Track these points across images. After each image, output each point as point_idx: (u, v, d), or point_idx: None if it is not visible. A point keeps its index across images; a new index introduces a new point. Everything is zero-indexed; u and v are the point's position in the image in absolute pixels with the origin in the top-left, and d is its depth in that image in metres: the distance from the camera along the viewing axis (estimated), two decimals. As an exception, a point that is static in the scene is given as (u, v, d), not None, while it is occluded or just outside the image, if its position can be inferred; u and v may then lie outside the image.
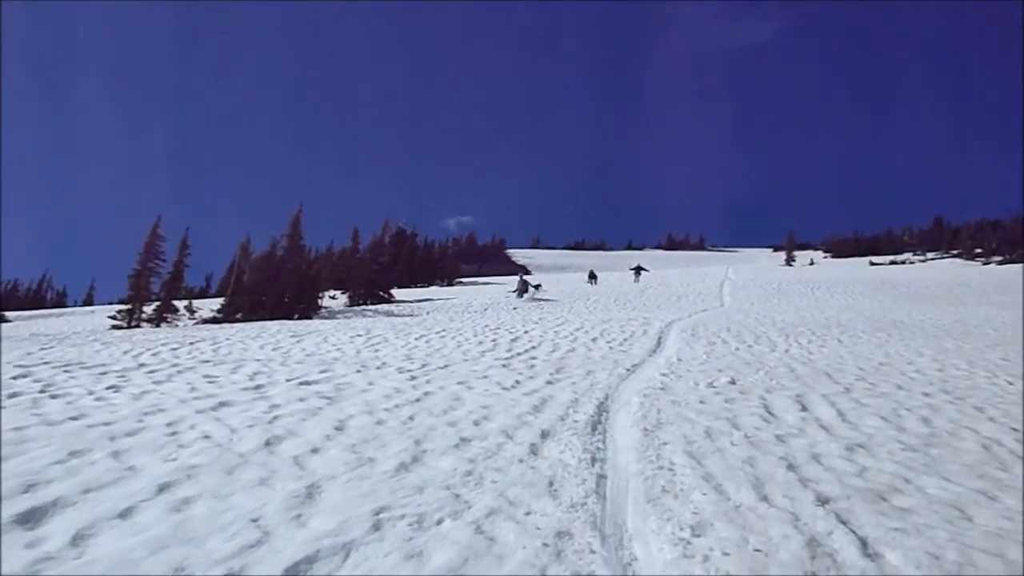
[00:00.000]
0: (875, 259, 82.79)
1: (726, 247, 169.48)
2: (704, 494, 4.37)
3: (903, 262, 78.30)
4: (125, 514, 3.86)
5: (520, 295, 32.25)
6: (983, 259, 73.45)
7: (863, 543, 3.60)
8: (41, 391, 7.18)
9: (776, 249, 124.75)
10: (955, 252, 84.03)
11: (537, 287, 33.66)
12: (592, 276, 44.51)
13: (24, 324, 31.83)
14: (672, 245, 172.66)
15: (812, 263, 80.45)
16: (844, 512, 4.04)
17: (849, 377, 8.92)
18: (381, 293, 40.99)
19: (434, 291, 48.23)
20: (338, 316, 28.50)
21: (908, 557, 3.42)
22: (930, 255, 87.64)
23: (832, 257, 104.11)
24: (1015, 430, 6.13)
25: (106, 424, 5.81)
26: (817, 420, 6.48)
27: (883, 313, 20.88)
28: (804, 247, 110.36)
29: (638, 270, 45.40)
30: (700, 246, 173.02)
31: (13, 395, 6.91)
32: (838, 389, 8.03)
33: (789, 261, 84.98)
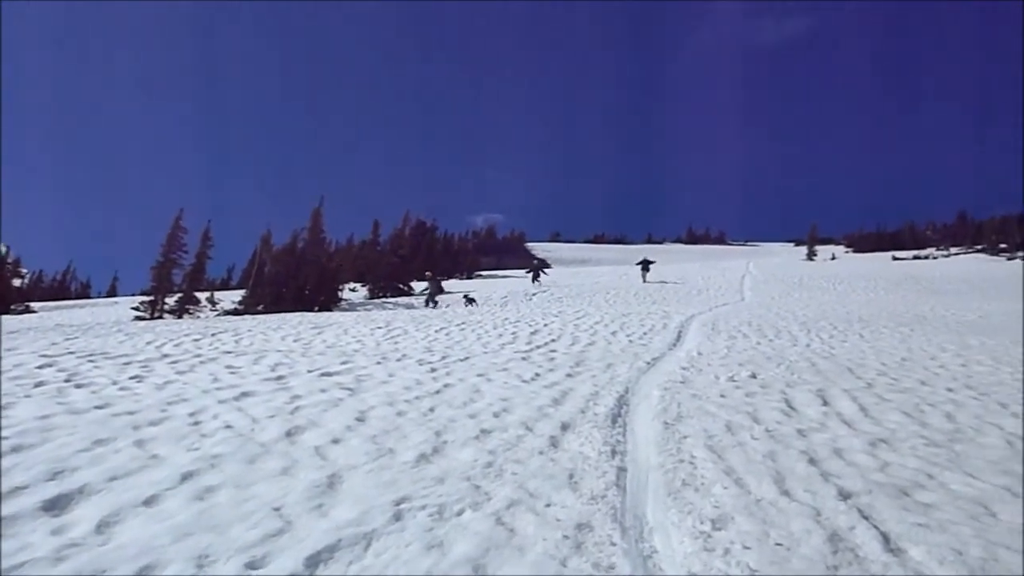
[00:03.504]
0: (898, 254, 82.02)
1: (747, 241, 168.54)
2: (725, 488, 4.35)
3: (926, 257, 77.54)
4: (150, 502, 3.90)
5: (534, 280, 33.77)
6: (1008, 254, 72.56)
7: (886, 538, 3.57)
8: (66, 380, 7.25)
9: (797, 243, 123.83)
10: (979, 247, 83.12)
11: (541, 273, 33.94)
12: (645, 266, 38.74)
13: (49, 315, 32.19)
14: (692, 239, 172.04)
15: (834, 258, 79.89)
16: (866, 507, 4.01)
17: (871, 372, 8.84)
18: (401, 286, 41.13)
19: (454, 284, 48.31)
20: (358, 308, 28.62)
21: (932, 553, 3.39)
22: (954, 250, 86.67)
23: (854, 252, 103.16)
24: (1040, 426, 6.06)
25: (130, 413, 5.87)
26: (839, 415, 6.43)
27: (906, 308, 20.72)
28: (826, 242, 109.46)
29: (645, 265, 39.00)
30: (721, 240, 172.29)
31: (39, 384, 7.00)
32: (860, 384, 7.96)
33: (811, 255, 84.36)
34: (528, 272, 40.07)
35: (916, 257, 76.69)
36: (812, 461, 4.91)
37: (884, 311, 19.62)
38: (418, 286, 40.83)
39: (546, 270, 39.07)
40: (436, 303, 27.06)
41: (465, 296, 28.09)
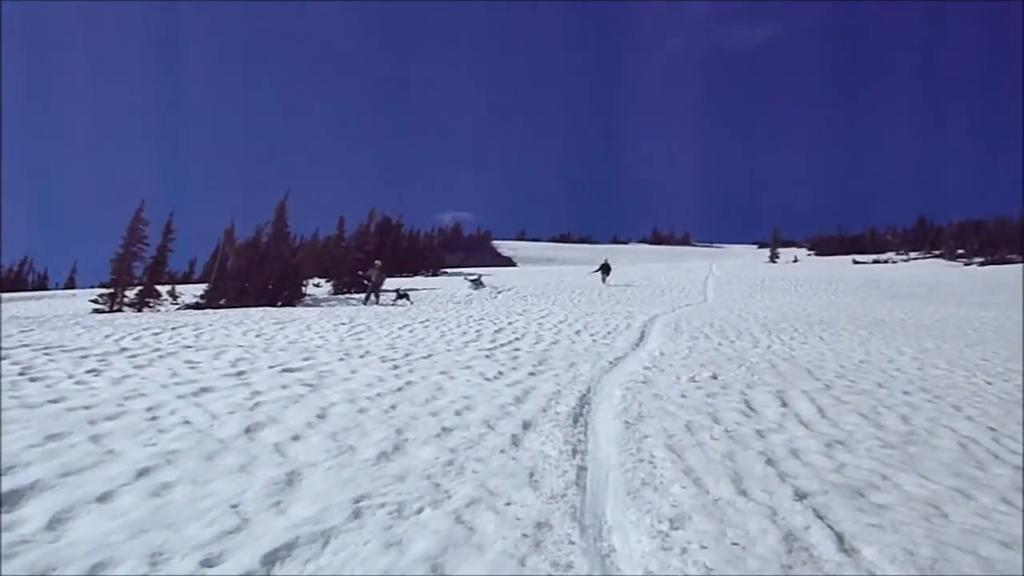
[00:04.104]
0: (858, 257, 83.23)
1: (711, 243, 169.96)
2: (683, 487, 4.39)
3: (886, 261, 78.79)
4: (104, 498, 3.83)
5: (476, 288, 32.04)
6: (965, 260, 74.06)
7: (840, 538, 3.63)
8: (20, 374, 7.11)
9: (761, 246, 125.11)
10: (938, 252, 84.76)
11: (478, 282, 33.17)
12: (605, 270, 37.26)
13: (4, 306, 31.55)
14: (657, 240, 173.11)
15: (796, 260, 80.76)
16: (822, 507, 4.07)
17: (830, 374, 8.97)
18: (365, 282, 40.93)
19: (419, 281, 48.14)
20: (322, 304, 28.45)
21: (884, 553, 3.45)
22: (913, 255, 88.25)
23: (816, 255, 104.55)
24: (992, 429, 6.19)
25: (86, 408, 5.77)
26: (797, 416, 6.52)
27: (865, 311, 21.01)
28: (788, 244, 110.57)
29: (605, 268, 37.36)
30: (685, 241, 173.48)
31: (-9, 377, 6.86)
32: (819, 386, 8.08)
33: (773, 258, 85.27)
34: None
35: (876, 261, 77.87)
36: (770, 461, 4.98)
37: (844, 314, 19.89)
38: (385, 282, 40.56)
39: (482, 284, 35.90)
40: (378, 298, 24.78)
41: (397, 291, 27.17)
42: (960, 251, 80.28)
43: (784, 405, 6.98)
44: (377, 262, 26.41)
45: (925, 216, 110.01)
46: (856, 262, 74.18)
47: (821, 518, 3.90)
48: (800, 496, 4.26)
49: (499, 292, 31.40)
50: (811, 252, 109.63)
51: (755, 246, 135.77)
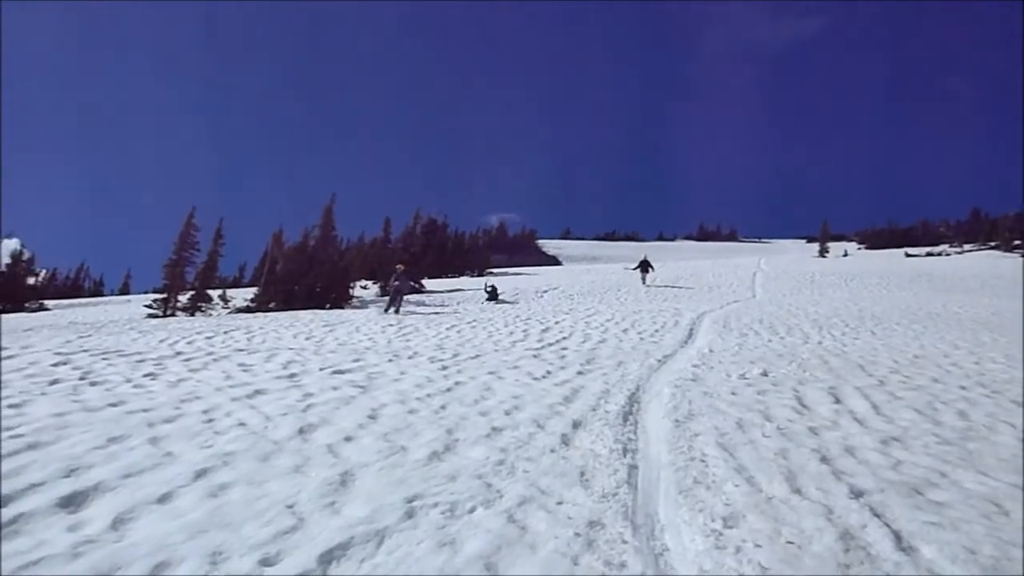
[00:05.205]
0: (911, 251, 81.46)
1: (758, 238, 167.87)
2: (736, 486, 4.35)
3: (939, 254, 77.00)
4: (164, 499, 3.93)
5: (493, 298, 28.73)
6: (1021, 251, 72.04)
7: (898, 537, 3.57)
8: (81, 378, 7.31)
9: (809, 240, 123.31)
10: (993, 244, 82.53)
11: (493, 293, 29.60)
12: (644, 267, 33.71)
13: (63, 312, 32.38)
14: (703, 236, 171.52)
15: (846, 254, 79.30)
16: (878, 505, 4.01)
17: (883, 370, 8.81)
18: (412, 283, 41.19)
19: (465, 281, 48.30)
20: (369, 306, 28.67)
21: (944, 551, 3.38)
22: (967, 247, 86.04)
23: (867, 248, 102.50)
24: (1054, 425, 6.03)
25: (144, 411, 5.92)
26: (851, 413, 6.41)
27: (919, 305, 20.56)
28: (838, 238, 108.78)
29: (644, 266, 33.76)
30: (732, 237, 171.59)
31: (54, 382, 7.05)
32: (872, 382, 7.94)
33: (823, 252, 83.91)
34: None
35: (929, 254, 76.15)
36: (824, 459, 4.91)
37: (896, 308, 19.49)
38: (431, 283, 40.73)
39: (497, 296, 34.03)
40: (400, 305, 20.23)
41: (492, 290, 26.20)
42: (1016, 242, 78.06)
43: (837, 402, 6.87)
44: (399, 266, 22.40)
45: (979, 207, 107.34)
46: (908, 255, 72.58)
47: (878, 516, 3.83)
48: (856, 494, 4.19)
49: (544, 292, 31.30)
50: (861, 246, 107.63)
51: (804, 241, 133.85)
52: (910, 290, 28.74)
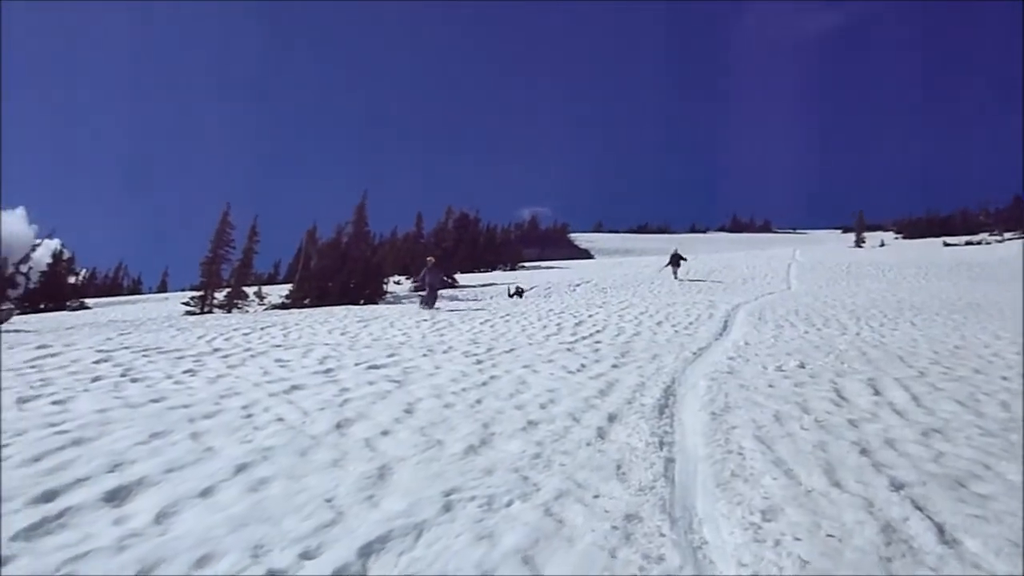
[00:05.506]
0: (949, 240, 79.85)
1: (793, 229, 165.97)
2: (774, 479, 4.32)
3: (979, 243, 75.50)
4: (205, 493, 3.99)
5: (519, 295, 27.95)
6: (1065, 239, 70.50)
7: (940, 529, 3.52)
8: (122, 375, 7.42)
9: (845, 230, 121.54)
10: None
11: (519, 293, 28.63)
12: (676, 261, 32.85)
13: (103, 310, 32.93)
14: (737, 227, 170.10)
15: (883, 244, 78.05)
16: (920, 498, 3.95)
17: (923, 361, 8.67)
18: (445, 278, 41.34)
19: (497, 275, 48.36)
20: (403, 301, 28.82)
21: (988, 544, 3.34)
22: (1008, 235, 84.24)
23: (904, 238, 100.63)
24: (1101, 415, 5.91)
25: (185, 407, 6.00)
26: (891, 404, 6.33)
27: (958, 295, 20.23)
28: (874, 228, 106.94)
29: (676, 260, 32.84)
30: (766, 228, 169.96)
31: (96, 379, 7.17)
32: (912, 373, 7.82)
33: (859, 242, 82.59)
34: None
35: (968, 243, 74.61)
36: (864, 451, 4.85)
37: (936, 298, 19.21)
38: (463, 278, 40.82)
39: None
40: (435, 300, 19.98)
41: (517, 290, 26.28)
42: (1059, 230, 76.43)
43: (876, 393, 6.78)
44: (430, 259, 21.49)
45: (1021, 194, 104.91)
46: (947, 244, 71.18)
47: (920, 509, 3.78)
48: (897, 487, 4.14)
49: (577, 285, 31.23)
50: (898, 235, 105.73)
51: (839, 231, 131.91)
52: (949, 280, 28.29)
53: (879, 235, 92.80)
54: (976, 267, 36.89)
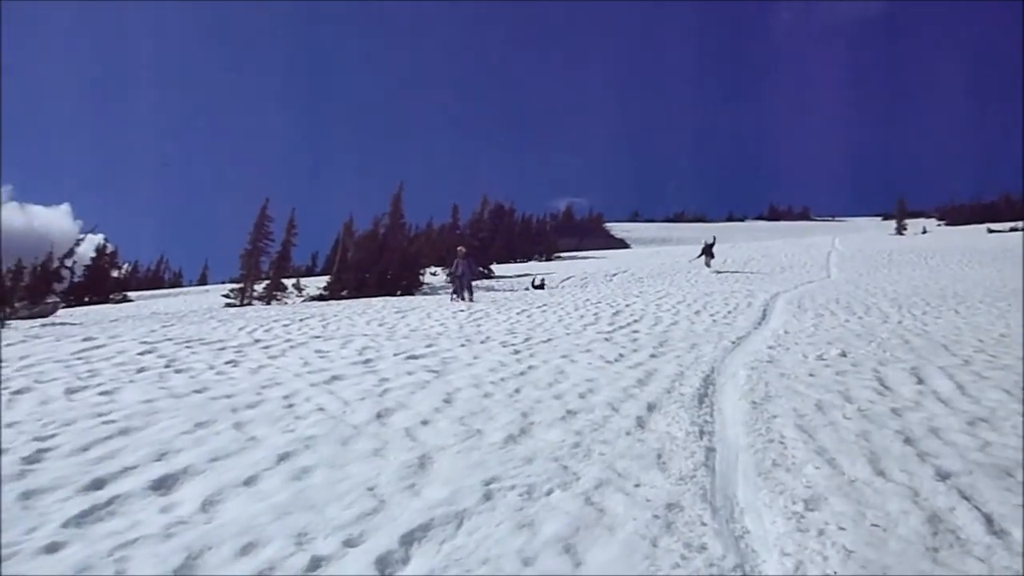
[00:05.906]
0: (993, 226, 78.16)
1: (832, 216, 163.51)
2: (817, 468, 4.27)
3: (1024, 228, 73.96)
4: (249, 482, 4.04)
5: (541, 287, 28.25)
6: (1114, 224, 68.71)
7: (988, 519, 3.45)
8: (166, 366, 7.54)
9: (885, 218, 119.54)
10: (1083, 216, 78.89)
11: (541, 286, 28.98)
12: (708, 250, 32.09)
13: (145, 303, 33.48)
14: (775, 216, 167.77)
15: (925, 231, 76.65)
16: (967, 488, 3.88)
17: (968, 349, 8.50)
18: (481, 269, 41.39)
19: (533, 266, 48.37)
20: (440, 292, 28.93)
21: (1038, 535, 3.28)
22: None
23: (946, 225, 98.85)
24: None
25: (227, 397, 6.09)
26: (935, 393, 6.22)
27: (1003, 283, 19.80)
28: (916, 215, 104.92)
29: (708, 249, 32.05)
30: (804, 216, 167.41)
31: (141, 370, 7.30)
32: (957, 361, 7.67)
33: (900, 230, 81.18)
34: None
35: (1013, 229, 73.02)
36: (908, 441, 4.78)
37: (980, 286, 18.81)
38: (499, 268, 40.86)
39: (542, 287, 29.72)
40: (471, 291, 19.05)
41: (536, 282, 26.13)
42: (1109, 214, 74.52)
43: (920, 382, 6.67)
44: (460, 248, 20.32)
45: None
46: (991, 231, 69.74)
47: (967, 499, 3.71)
48: (943, 476, 4.07)
49: (613, 275, 31.13)
50: (941, 222, 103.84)
51: (879, 218, 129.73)
52: (993, 267, 27.72)
53: (921, 222, 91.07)
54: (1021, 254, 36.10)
